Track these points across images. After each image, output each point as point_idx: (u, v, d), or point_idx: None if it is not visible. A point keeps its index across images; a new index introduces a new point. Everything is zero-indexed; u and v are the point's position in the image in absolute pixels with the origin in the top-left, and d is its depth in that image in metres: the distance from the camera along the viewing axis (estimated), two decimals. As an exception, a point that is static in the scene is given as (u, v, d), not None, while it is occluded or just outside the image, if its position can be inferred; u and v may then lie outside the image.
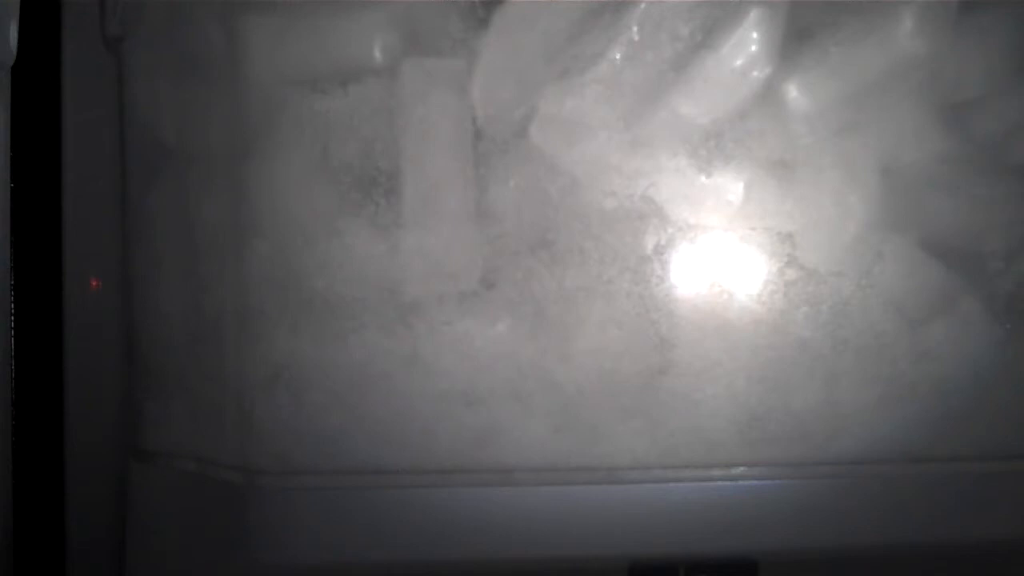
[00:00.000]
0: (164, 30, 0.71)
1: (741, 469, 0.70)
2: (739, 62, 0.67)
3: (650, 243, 0.69)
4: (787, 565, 0.70)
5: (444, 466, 0.69)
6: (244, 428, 0.69)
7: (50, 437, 0.74)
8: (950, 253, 0.71)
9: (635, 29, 0.67)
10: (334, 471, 0.69)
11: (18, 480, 0.72)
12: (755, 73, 0.67)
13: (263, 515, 0.69)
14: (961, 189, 0.71)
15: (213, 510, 0.70)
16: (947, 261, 0.71)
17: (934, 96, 0.71)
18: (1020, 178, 0.72)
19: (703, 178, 0.69)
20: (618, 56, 0.67)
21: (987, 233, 0.72)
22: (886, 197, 0.70)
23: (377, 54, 0.68)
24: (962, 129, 0.71)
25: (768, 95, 0.68)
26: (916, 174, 0.71)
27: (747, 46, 0.66)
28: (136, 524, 0.72)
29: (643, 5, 0.66)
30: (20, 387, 0.72)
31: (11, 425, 0.72)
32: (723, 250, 0.69)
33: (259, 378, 0.69)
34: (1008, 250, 0.72)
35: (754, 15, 0.66)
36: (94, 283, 0.75)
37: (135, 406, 0.74)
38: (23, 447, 0.73)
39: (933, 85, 0.70)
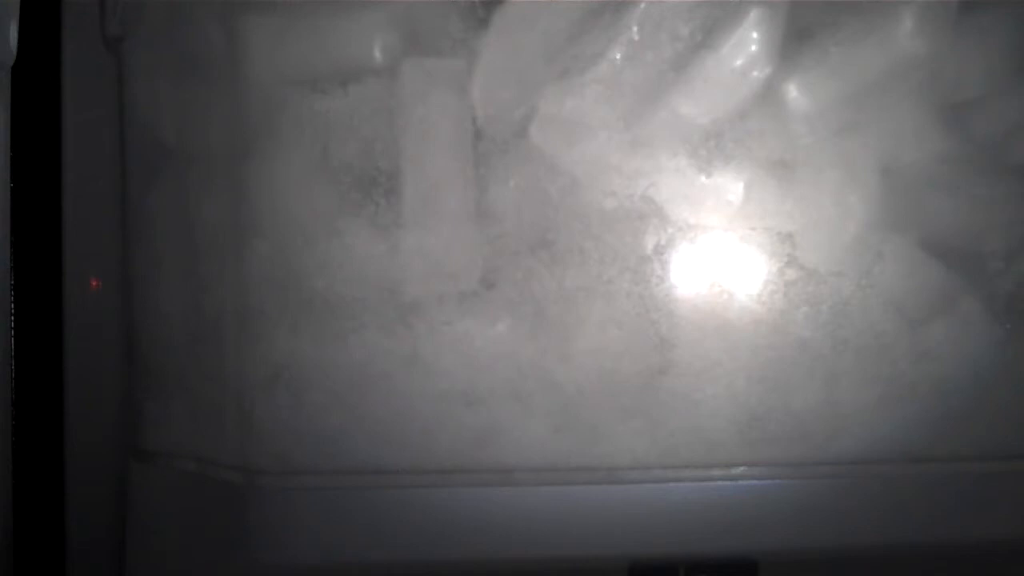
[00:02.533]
0: (164, 30, 0.71)
1: (741, 469, 0.70)
2: (739, 62, 0.67)
3: (650, 243, 0.69)
4: (787, 565, 0.70)
5: (444, 466, 0.69)
6: (244, 428, 0.69)
7: (50, 437, 0.74)
8: (950, 253, 0.71)
9: (635, 29, 0.67)
10: (334, 471, 0.68)
11: (18, 480, 0.72)
12: (755, 73, 0.67)
13: (263, 515, 0.69)
14: (961, 189, 0.71)
15: (213, 510, 0.70)
16: (947, 261, 0.71)
17: (934, 96, 0.71)
18: (1020, 178, 0.72)
19: (703, 178, 0.69)
20: (618, 56, 0.67)
21: (987, 233, 0.72)
22: (886, 197, 0.70)
23: (377, 54, 0.68)
24: (962, 129, 0.71)
25: (768, 95, 0.68)
26: (916, 174, 0.71)
27: (747, 46, 0.66)
28: (136, 524, 0.72)
29: (643, 5, 0.66)
30: (20, 387, 0.72)
31: (11, 425, 0.72)
32: (723, 250, 0.69)
33: (259, 378, 0.69)
34: (1008, 250, 0.72)
35: (754, 15, 0.66)
36: (94, 283, 0.75)
37: (135, 406, 0.74)
38: (23, 447, 0.73)
39: (933, 85, 0.70)
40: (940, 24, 0.68)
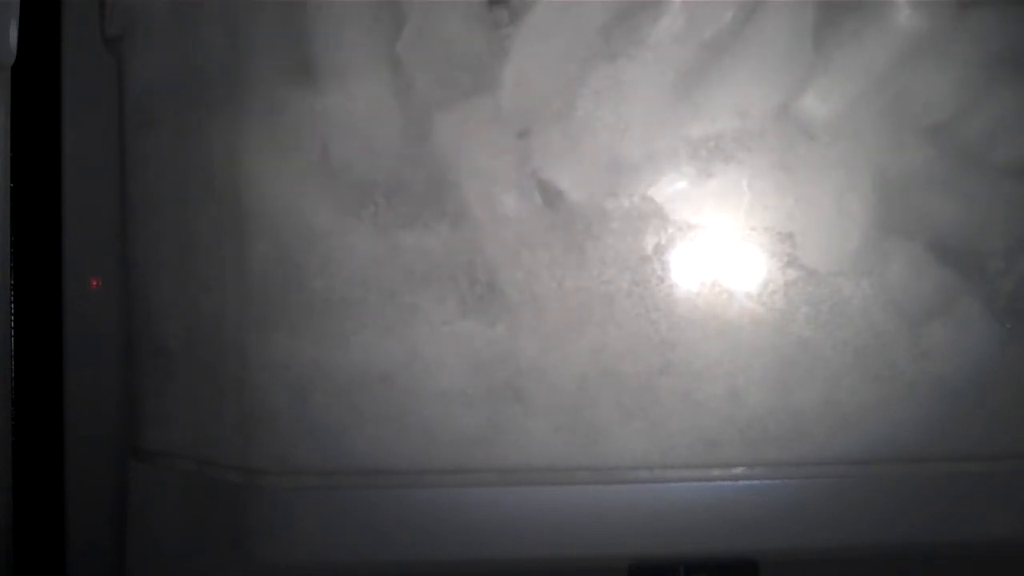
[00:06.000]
0: (164, 30, 0.71)
1: (741, 469, 0.70)
2: (742, 68, 0.67)
3: (650, 243, 0.69)
4: (787, 565, 0.70)
5: (444, 466, 0.69)
6: (244, 428, 0.69)
7: (50, 437, 0.74)
8: (950, 253, 0.71)
9: (639, 36, 0.67)
10: (334, 471, 0.69)
11: (18, 480, 0.72)
12: (756, 79, 0.67)
13: (263, 515, 0.69)
14: (960, 190, 0.71)
15: (213, 510, 0.70)
16: (947, 261, 0.71)
17: (931, 98, 0.71)
18: (1019, 179, 0.72)
19: (703, 178, 0.69)
20: (622, 60, 0.67)
21: (987, 233, 0.72)
22: (886, 198, 0.70)
23: (378, 53, 0.68)
24: (960, 131, 0.71)
25: (769, 100, 0.68)
26: (916, 176, 0.71)
27: (749, 54, 0.67)
28: (136, 524, 0.72)
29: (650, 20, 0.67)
30: (20, 387, 0.72)
31: (11, 425, 0.72)
32: (723, 250, 0.69)
33: (259, 378, 0.69)
34: (1007, 250, 0.72)
35: (756, 25, 0.66)
36: (94, 283, 0.75)
37: (135, 406, 0.74)
38: (23, 447, 0.73)
39: (927, 87, 0.70)
40: (935, 24, 0.69)
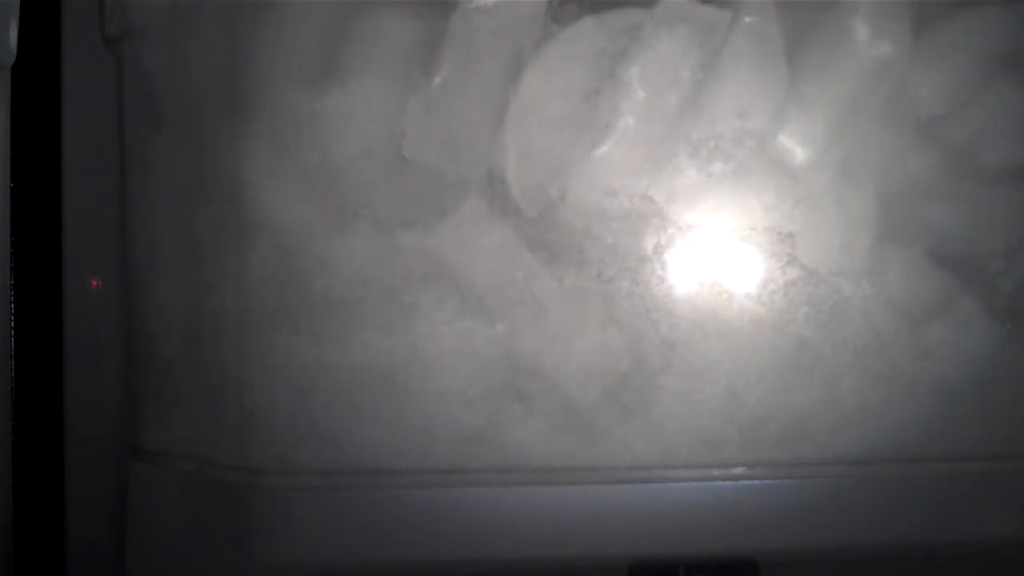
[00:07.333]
0: (164, 30, 0.71)
1: (741, 469, 0.70)
2: (740, 71, 0.67)
3: (650, 243, 0.69)
4: (787, 565, 0.70)
5: (444, 466, 0.69)
6: (244, 428, 0.69)
7: (50, 437, 0.74)
8: (950, 253, 0.71)
9: (639, 42, 0.67)
10: (334, 471, 0.69)
11: (18, 480, 0.72)
12: (755, 85, 0.67)
13: (263, 515, 0.69)
14: (959, 191, 0.71)
15: (213, 510, 0.70)
16: (947, 261, 0.71)
17: (930, 95, 0.71)
18: (1018, 180, 0.72)
19: (703, 178, 0.68)
20: (620, 66, 0.67)
21: (986, 234, 0.72)
22: (886, 197, 0.70)
23: (376, 52, 0.68)
24: (959, 130, 0.71)
25: (767, 98, 0.68)
26: (916, 176, 0.71)
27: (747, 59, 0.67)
28: (136, 524, 0.72)
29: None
30: (20, 387, 0.72)
31: (11, 425, 0.72)
32: (723, 250, 0.69)
33: (259, 378, 0.69)
34: (1007, 250, 0.72)
35: (749, 32, 0.67)
36: (94, 283, 0.75)
37: (135, 406, 0.74)
38: (23, 447, 0.73)
39: (923, 85, 0.70)
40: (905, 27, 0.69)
